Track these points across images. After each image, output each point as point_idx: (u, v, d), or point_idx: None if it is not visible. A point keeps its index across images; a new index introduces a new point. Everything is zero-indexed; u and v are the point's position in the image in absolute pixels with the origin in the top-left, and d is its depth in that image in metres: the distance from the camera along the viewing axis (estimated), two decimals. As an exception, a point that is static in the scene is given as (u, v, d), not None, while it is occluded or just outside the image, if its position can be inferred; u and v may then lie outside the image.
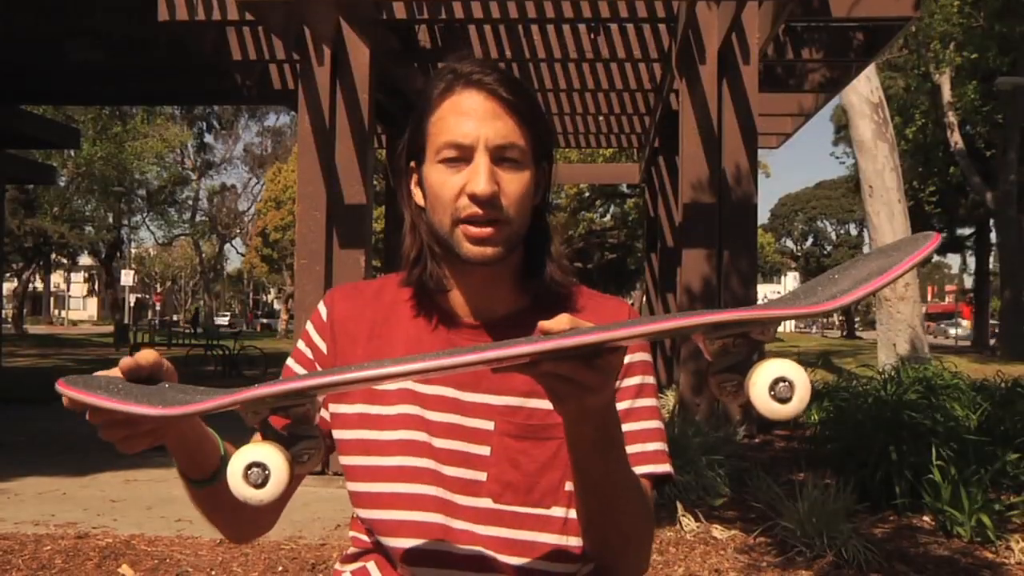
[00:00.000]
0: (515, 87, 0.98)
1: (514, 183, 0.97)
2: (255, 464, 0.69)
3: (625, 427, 0.96)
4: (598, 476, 0.91)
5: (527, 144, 0.98)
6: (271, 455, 0.69)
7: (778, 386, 0.67)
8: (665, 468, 1.04)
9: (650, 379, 1.06)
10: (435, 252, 1.02)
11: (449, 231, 0.97)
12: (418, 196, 1.03)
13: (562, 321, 0.74)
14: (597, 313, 1.05)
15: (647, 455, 1.02)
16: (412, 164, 1.03)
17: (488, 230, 0.96)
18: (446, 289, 1.03)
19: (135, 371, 0.83)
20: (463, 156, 0.96)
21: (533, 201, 1.01)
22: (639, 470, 1.00)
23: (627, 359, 1.02)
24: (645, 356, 1.05)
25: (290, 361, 1.11)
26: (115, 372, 0.84)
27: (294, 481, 1.05)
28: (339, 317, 1.08)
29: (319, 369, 1.07)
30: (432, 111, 0.99)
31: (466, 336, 1.03)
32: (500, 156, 0.96)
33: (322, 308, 1.10)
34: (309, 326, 1.11)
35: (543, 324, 0.75)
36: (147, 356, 0.85)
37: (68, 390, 0.73)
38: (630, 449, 0.97)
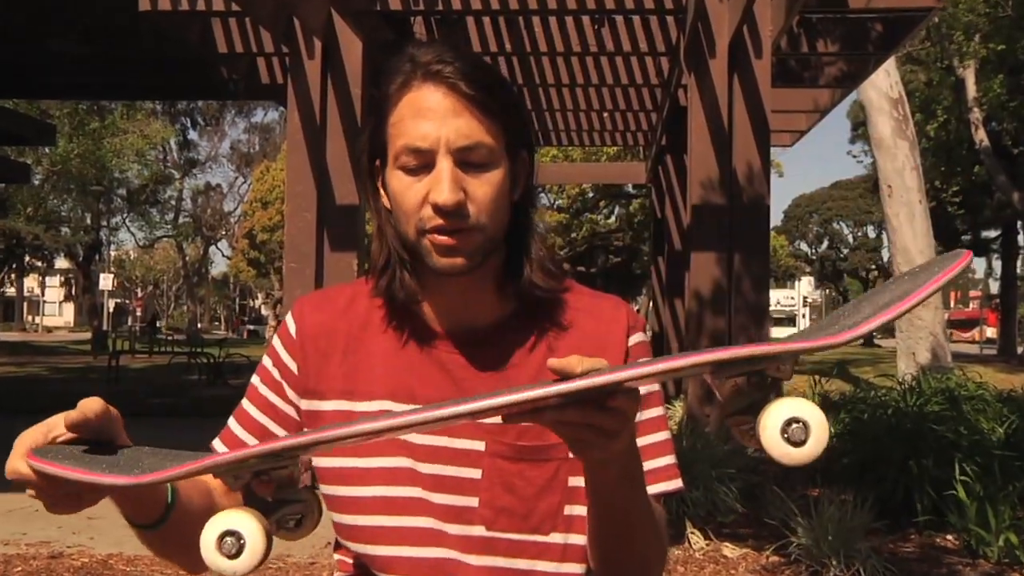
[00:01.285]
0: (477, 77, 0.91)
1: (483, 187, 0.91)
2: (228, 533, 0.67)
3: None
4: (619, 509, 0.91)
5: (496, 140, 0.92)
6: (245, 522, 0.67)
7: (791, 428, 0.65)
8: (677, 484, 1.03)
9: (655, 387, 1.03)
10: (404, 259, 0.97)
11: (416, 241, 0.93)
12: (385, 198, 0.99)
13: (572, 362, 0.71)
14: (592, 315, 1.02)
15: (658, 472, 1.01)
16: (377, 163, 0.98)
17: (455, 239, 0.90)
18: (418, 300, 0.98)
19: (84, 424, 0.80)
20: (423, 162, 0.90)
21: (511, 198, 0.96)
22: (652, 489, 0.99)
23: None
24: None
25: (255, 380, 1.06)
26: (59, 425, 0.81)
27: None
28: (310, 332, 1.02)
29: (288, 390, 1.03)
30: (391, 109, 0.93)
31: (443, 351, 0.99)
32: (464, 159, 0.90)
33: (290, 321, 1.04)
34: (276, 342, 1.05)
35: (552, 363, 0.72)
36: (92, 406, 0.82)
37: (47, 465, 0.73)
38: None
